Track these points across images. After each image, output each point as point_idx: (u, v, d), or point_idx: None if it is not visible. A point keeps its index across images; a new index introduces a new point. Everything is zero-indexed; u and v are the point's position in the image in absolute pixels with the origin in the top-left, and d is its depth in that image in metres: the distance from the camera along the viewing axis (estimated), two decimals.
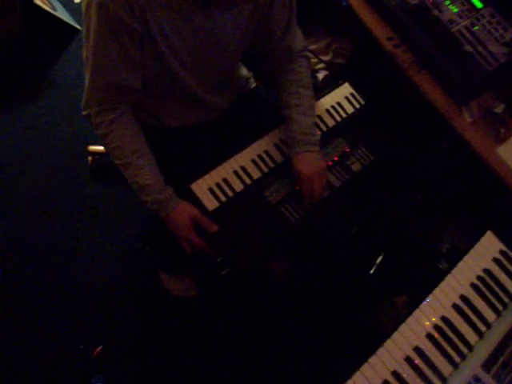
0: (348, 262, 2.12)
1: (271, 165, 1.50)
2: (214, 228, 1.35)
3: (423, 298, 1.26)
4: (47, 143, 2.32)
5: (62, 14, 2.40)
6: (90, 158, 2.24)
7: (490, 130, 1.64)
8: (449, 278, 1.29)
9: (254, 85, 1.71)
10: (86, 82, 1.28)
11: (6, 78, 2.44)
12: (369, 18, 1.72)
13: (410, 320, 1.22)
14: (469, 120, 1.61)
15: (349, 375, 1.11)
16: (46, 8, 2.26)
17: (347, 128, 1.63)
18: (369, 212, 2.21)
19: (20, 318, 1.92)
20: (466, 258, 1.33)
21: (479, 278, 1.31)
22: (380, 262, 2.10)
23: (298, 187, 1.45)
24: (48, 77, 2.52)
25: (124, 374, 1.87)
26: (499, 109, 1.66)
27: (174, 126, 1.52)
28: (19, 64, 2.49)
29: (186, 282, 2.01)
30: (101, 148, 2.21)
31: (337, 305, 2.03)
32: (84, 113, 1.32)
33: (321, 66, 2.15)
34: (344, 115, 1.65)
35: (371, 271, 2.09)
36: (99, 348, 1.87)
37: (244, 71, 1.68)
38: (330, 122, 1.62)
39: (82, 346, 1.88)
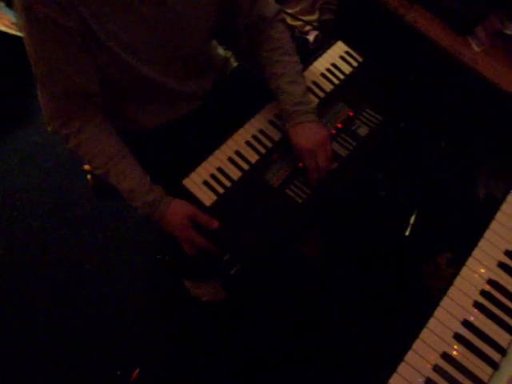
0: (382, 228, 2.01)
1: (268, 144, 1.36)
2: (215, 224, 1.23)
3: (467, 253, 1.14)
4: (46, 169, 2.24)
5: None
6: (89, 177, 2.15)
7: (506, 56, 1.47)
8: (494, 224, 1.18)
9: (235, 64, 1.58)
10: (39, 94, 1.16)
11: None
12: None
13: (458, 281, 1.11)
14: (477, 49, 1.45)
15: (403, 351, 1.02)
16: (12, 31, 2.16)
17: (347, 90, 1.47)
18: (393, 173, 2.09)
19: (49, 355, 1.85)
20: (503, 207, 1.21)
21: None
22: (414, 222, 2.01)
23: (301, 164, 1.32)
24: (34, 100, 2.42)
25: None
26: (511, 29, 1.48)
27: (155, 127, 1.40)
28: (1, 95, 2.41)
29: (213, 285, 1.92)
30: None
31: (379, 275, 1.94)
32: (49, 129, 1.21)
33: (309, 27, 2.00)
34: (342, 77, 1.49)
35: (406, 233, 1.97)
36: (136, 371, 1.82)
37: (221, 51, 1.54)
38: (328, 87, 1.47)
39: (118, 372, 1.82)
